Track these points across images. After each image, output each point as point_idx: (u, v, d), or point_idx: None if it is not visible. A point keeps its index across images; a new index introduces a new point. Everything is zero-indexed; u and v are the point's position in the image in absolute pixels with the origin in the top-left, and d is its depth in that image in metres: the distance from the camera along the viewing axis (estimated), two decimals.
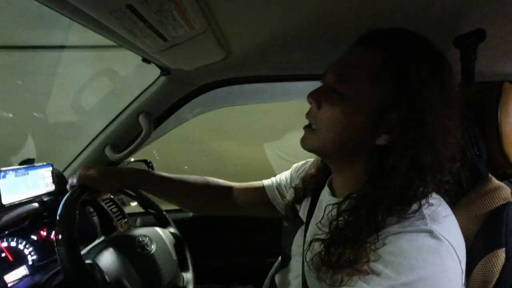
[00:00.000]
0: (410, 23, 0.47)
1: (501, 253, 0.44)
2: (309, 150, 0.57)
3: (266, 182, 0.80)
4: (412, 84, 0.44)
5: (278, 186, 0.78)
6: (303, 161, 0.77)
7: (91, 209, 0.93)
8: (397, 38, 0.48)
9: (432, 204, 0.44)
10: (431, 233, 0.40)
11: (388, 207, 0.43)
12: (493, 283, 0.44)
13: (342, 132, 0.49)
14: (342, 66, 0.50)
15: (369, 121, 0.47)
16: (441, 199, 0.47)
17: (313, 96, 0.52)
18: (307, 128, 0.54)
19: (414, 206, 0.43)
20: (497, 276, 0.44)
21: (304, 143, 0.54)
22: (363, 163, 0.50)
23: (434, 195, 0.46)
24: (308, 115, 0.54)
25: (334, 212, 0.49)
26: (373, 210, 0.43)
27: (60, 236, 0.56)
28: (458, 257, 0.41)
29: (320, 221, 0.53)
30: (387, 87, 0.46)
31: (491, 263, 0.45)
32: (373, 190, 0.46)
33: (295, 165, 0.78)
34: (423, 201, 0.44)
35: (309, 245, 0.51)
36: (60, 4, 0.48)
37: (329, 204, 0.53)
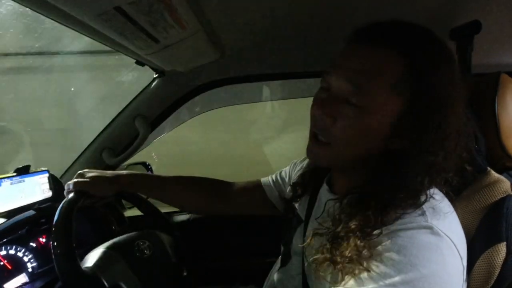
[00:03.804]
0: (405, 16, 0.46)
1: (502, 247, 0.44)
2: (321, 165, 0.55)
3: (264, 180, 0.80)
4: (433, 89, 0.43)
5: (277, 184, 0.77)
6: (301, 158, 0.76)
7: (89, 214, 0.92)
8: (414, 38, 0.44)
9: (433, 200, 0.43)
10: (431, 229, 0.40)
11: (395, 204, 0.43)
12: (495, 278, 0.44)
13: (360, 144, 0.46)
14: (357, 74, 0.44)
15: (387, 129, 0.45)
16: (443, 196, 0.46)
17: (326, 110, 0.46)
18: (316, 140, 0.48)
19: (416, 201, 0.43)
20: (499, 270, 0.43)
21: (315, 158, 0.50)
22: (370, 164, 0.49)
23: (436, 191, 0.46)
24: (317, 129, 0.48)
25: (337, 207, 0.49)
26: (381, 206, 0.43)
27: (56, 244, 0.56)
28: (459, 254, 0.40)
29: (321, 216, 0.53)
30: (407, 93, 0.44)
31: (492, 257, 0.44)
32: (380, 187, 0.45)
33: (293, 161, 0.78)
34: (424, 196, 0.43)
35: (311, 239, 0.51)
36: (48, 9, 0.47)
37: (330, 200, 0.53)
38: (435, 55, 0.44)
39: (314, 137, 0.49)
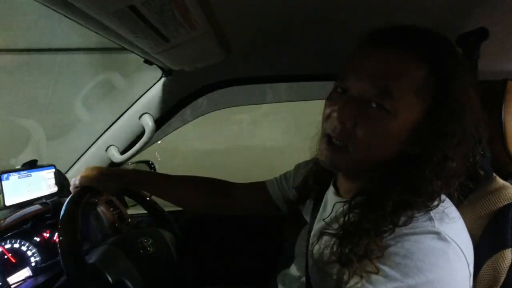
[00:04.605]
0: (413, 21, 0.46)
1: (508, 254, 0.44)
2: (337, 170, 0.54)
3: (268, 181, 0.80)
4: (453, 95, 0.43)
5: (281, 186, 0.78)
6: (306, 160, 0.77)
7: (94, 211, 0.93)
8: (435, 44, 0.45)
9: (441, 205, 0.43)
10: (438, 234, 0.40)
11: (409, 205, 0.43)
12: (500, 284, 0.43)
13: (379, 148, 0.45)
14: (383, 76, 0.43)
15: (407, 134, 0.45)
16: (450, 201, 0.46)
17: (346, 114, 0.44)
18: (332, 144, 0.47)
19: (430, 204, 0.43)
20: (504, 276, 0.43)
21: (331, 162, 0.48)
22: (382, 168, 0.48)
23: (443, 197, 0.46)
24: (336, 134, 0.46)
25: (345, 208, 0.48)
26: (393, 206, 0.43)
27: (62, 238, 0.56)
28: (466, 260, 0.40)
29: (328, 217, 0.53)
30: (430, 97, 0.44)
31: (498, 263, 0.44)
32: (393, 189, 0.44)
33: (297, 164, 0.78)
34: (438, 200, 0.43)
35: (317, 239, 0.51)
36: (61, 5, 0.48)
37: (338, 202, 0.52)
38: (456, 61, 0.44)
39: (328, 140, 0.47)
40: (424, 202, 0.43)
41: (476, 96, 0.45)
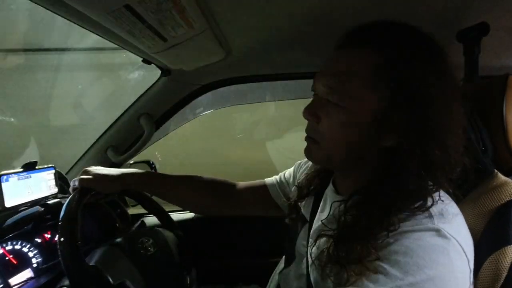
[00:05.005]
0: (412, 18, 0.46)
1: (510, 250, 0.44)
2: (315, 163, 0.59)
3: (268, 180, 0.80)
4: (409, 82, 0.43)
5: (281, 184, 0.77)
6: (306, 159, 0.76)
7: (94, 211, 0.93)
8: (388, 35, 0.45)
9: (440, 202, 0.43)
10: (438, 231, 0.40)
11: (400, 206, 0.42)
12: (502, 281, 0.43)
13: (346, 141, 0.48)
14: (332, 76, 0.48)
15: (371, 126, 0.46)
16: (449, 198, 0.46)
17: (309, 112, 0.50)
18: (310, 140, 0.52)
19: (422, 204, 0.42)
20: (506, 273, 0.43)
21: (309, 155, 0.53)
22: (370, 165, 0.49)
23: (442, 193, 0.45)
24: (308, 130, 0.52)
25: (342, 208, 0.49)
26: (385, 209, 0.43)
27: (62, 239, 0.56)
28: (466, 256, 0.40)
29: (326, 217, 0.53)
30: (385, 88, 0.44)
31: (499, 260, 0.44)
32: (383, 189, 0.45)
33: (298, 162, 0.78)
34: (431, 199, 0.43)
35: (315, 241, 0.51)
36: (57, 6, 0.48)
37: (335, 201, 0.53)
38: (412, 50, 0.44)
39: (307, 136, 0.52)
40: (415, 203, 0.43)
41: (450, 85, 0.45)
